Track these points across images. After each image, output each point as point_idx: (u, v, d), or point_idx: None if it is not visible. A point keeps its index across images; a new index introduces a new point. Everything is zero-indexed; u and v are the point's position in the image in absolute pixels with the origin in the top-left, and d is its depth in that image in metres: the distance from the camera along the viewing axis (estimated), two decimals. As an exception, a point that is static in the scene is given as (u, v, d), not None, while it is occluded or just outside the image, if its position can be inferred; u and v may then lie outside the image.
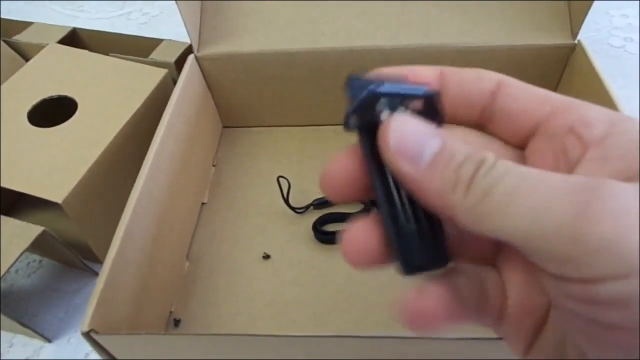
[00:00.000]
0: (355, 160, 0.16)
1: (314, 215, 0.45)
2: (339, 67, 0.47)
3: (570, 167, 0.15)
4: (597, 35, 0.65)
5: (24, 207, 0.47)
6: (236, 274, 0.43)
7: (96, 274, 0.44)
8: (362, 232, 0.15)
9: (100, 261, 0.43)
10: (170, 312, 0.40)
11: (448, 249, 0.15)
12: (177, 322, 0.40)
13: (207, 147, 0.51)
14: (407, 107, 0.15)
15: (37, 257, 0.46)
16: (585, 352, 0.14)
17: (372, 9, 0.47)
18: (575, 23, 0.44)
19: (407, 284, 0.15)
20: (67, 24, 0.56)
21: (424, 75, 0.16)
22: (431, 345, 0.27)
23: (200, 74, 0.49)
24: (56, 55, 0.50)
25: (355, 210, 0.45)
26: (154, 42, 0.53)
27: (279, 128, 0.55)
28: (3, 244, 0.35)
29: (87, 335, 0.27)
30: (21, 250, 0.35)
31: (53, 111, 0.45)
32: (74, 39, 0.56)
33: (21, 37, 0.54)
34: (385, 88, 0.15)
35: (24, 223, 0.37)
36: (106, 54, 0.50)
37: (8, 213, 0.45)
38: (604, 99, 0.39)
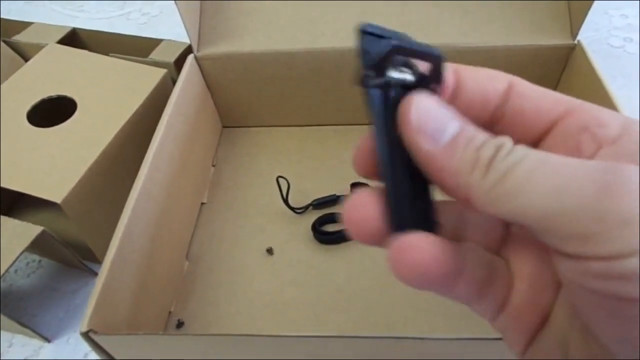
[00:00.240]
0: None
1: (314, 216, 0.45)
2: (338, 67, 0.47)
3: None
4: (596, 36, 0.65)
5: (23, 207, 0.47)
6: (236, 274, 0.43)
7: (95, 274, 0.44)
8: (363, 200, 0.15)
9: (99, 261, 0.43)
10: (170, 312, 0.40)
11: (436, 215, 0.16)
12: (180, 324, 0.39)
13: (206, 147, 0.51)
14: (413, 68, 0.15)
15: (36, 257, 0.46)
16: (598, 337, 0.14)
17: (372, 9, 0.47)
18: (574, 23, 0.44)
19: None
20: (67, 24, 0.56)
21: None
22: (431, 345, 0.27)
23: (200, 74, 0.49)
24: (56, 55, 0.50)
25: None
26: (154, 42, 0.53)
27: (279, 128, 0.55)
28: (2, 243, 0.35)
29: (86, 335, 0.27)
30: (20, 250, 0.35)
31: (52, 111, 0.45)
32: (73, 39, 0.56)
33: (21, 37, 0.54)
34: (405, 43, 0.14)
35: (24, 223, 0.37)
36: (106, 54, 0.50)
37: (7, 213, 0.45)
38: (603, 99, 0.39)
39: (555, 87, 0.48)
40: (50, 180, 0.38)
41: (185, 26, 0.44)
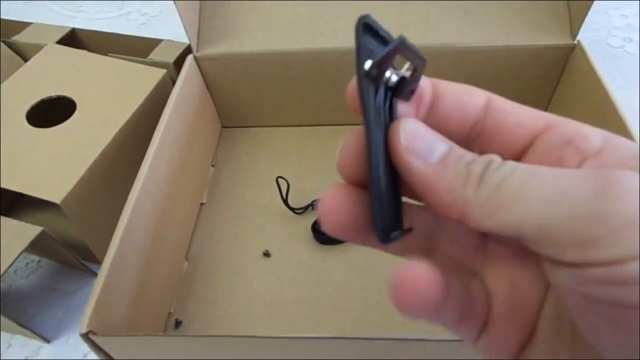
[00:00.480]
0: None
1: (313, 216, 0.45)
2: (338, 68, 0.47)
3: None
4: (596, 36, 0.65)
5: (22, 208, 0.47)
6: (235, 274, 0.42)
7: (95, 274, 0.44)
8: (338, 195, 0.15)
9: (99, 261, 0.43)
10: (169, 312, 0.40)
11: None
12: (178, 324, 0.39)
13: (206, 147, 0.51)
14: (396, 69, 0.15)
15: (35, 257, 0.46)
16: (593, 345, 0.14)
17: (371, 9, 0.46)
18: (574, 23, 0.44)
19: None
20: (66, 24, 0.56)
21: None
22: (429, 346, 0.27)
23: (199, 74, 0.49)
24: (55, 55, 0.50)
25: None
26: (153, 43, 0.53)
27: (278, 128, 0.55)
28: (2, 244, 0.35)
29: (86, 336, 0.27)
30: (20, 251, 0.35)
31: (52, 111, 0.45)
32: (72, 39, 0.56)
33: (20, 38, 0.54)
34: (407, 41, 0.14)
35: (23, 223, 0.37)
36: (105, 54, 0.50)
37: (7, 213, 0.45)
38: (603, 99, 0.39)
39: (555, 87, 0.48)
40: (50, 180, 0.38)
41: (184, 26, 0.44)
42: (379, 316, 0.39)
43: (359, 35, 0.14)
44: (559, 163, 0.15)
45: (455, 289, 0.15)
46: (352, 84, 0.16)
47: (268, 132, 0.55)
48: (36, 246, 0.36)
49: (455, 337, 0.25)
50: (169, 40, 0.53)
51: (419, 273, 0.14)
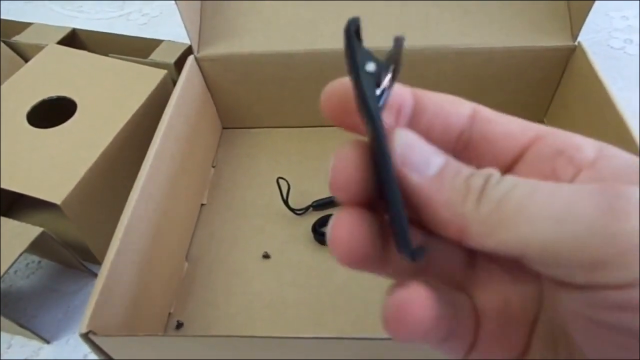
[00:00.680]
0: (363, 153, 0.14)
1: (314, 217, 0.45)
2: (338, 68, 0.47)
3: None
4: (596, 37, 0.65)
5: (23, 208, 0.47)
6: (235, 275, 0.42)
7: (95, 275, 0.44)
8: (349, 225, 0.14)
9: (99, 262, 0.43)
10: (169, 313, 0.40)
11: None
12: (179, 325, 0.39)
13: (206, 148, 0.51)
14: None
15: (36, 258, 0.46)
16: None
17: (371, 10, 0.47)
18: (575, 25, 0.44)
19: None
20: (67, 25, 0.56)
21: (398, 92, 0.15)
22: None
23: (200, 74, 0.49)
24: (55, 56, 0.50)
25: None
26: (154, 43, 0.53)
27: (279, 129, 0.55)
28: (2, 244, 0.35)
29: (86, 337, 0.27)
30: (20, 251, 0.35)
31: (52, 112, 0.45)
32: (73, 39, 0.56)
33: (20, 38, 0.54)
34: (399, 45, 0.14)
35: (23, 224, 0.37)
36: (105, 54, 0.50)
37: (7, 214, 0.45)
38: (604, 100, 0.39)
39: (555, 89, 0.48)
40: (50, 181, 0.38)
41: (185, 27, 0.44)
42: (379, 317, 0.39)
43: (351, 38, 0.13)
44: (552, 175, 0.14)
45: (442, 307, 0.14)
46: (332, 88, 0.15)
47: (268, 133, 0.55)
48: (36, 247, 0.36)
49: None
50: (170, 40, 0.53)
51: (416, 298, 0.13)
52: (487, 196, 0.13)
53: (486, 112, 0.16)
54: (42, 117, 0.44)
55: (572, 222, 0.11)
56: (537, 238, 0.12)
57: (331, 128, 0.54)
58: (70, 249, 0.39)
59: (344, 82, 0.15)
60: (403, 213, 0.13)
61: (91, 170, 0.39)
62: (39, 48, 0.51)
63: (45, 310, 0.42)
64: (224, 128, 0.56)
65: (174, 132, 0.41)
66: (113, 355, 0.29)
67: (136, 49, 0.52)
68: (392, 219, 0.14)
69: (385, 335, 0.26)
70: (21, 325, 0.38)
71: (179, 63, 0.50)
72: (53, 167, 0.39)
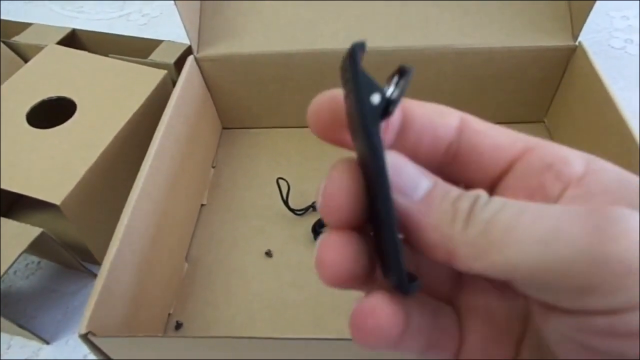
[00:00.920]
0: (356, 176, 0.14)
1: (314, 217, 0.45)
2: (338, 68, 0.47)
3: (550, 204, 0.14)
4: (597, 37, 0.65)
5: (22, 209, 0.47)
6: (235, 276, 0.42)
7: (95, 275, 0.43)
8: (336, 249, 0.14)
9: (98, 263, 0.43)
10: (169, 314, 0.40)
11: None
12: (178, 326, 0.39)
13: (206, 149, 0.51)
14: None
15: (35, 258, 0.46)
16: None
17: (371, 10, 0.47)
18: (576, 24, 0.44)
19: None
20: (66, 25, 0.56)
21: None
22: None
23: (200, 75, 0.49)
24: (55, 56, 0.50)
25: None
26: (154, 43, 0.53)
27: (279, 129, 0.55)
28: (2, 245, 0.35)
29: (85, 337, 0.27)
30: (20, 252, 0.35)
31: (52, 112, 0.45)
32: (73, 40, 0.56)
33: (20, 38, 0.54)
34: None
35: (23, 224, 0.36)
36: (105, 55, 0.50)
37: (6, 214, 0.44)
38: (604, 100, 0.39)
39: (556, 89, 0.48)
40: (50, 181, 0.38)
41: (185, 27, 0.44)
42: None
43: (356, 65, 0.13)
44: (540, 189, 0.14)
45: (418, 319, 0.14)
46: (319, 103, 0.14)
47: (268, 134, 0.54)
48: (36, 247, 0.36)
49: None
50: (170, 41, 0.53)
51: (379, 308, 0.13)
52: (474, 218, 0.13)
53: (474, 123, 0.15)
54: (42, 118, 0.44)
55: (560, 246, 0.11)
56: (524, 261, 0.11)
57: (331, 128, 0.54)
58: (69, 250, 0.39)
59: (331, 97, 0.15)
60: (397, 241, 0.13)
61: (91, 171, 0.39)
62: (38, 48, 0.51)
63: (44, 311, 0.42)
64: (223, 128, 0.56)
65: (173, 132, 0.41)
66: (112, 356, 0.29)
67: (136, 49, 0.52)
68: (387, 250, 0.13)
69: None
70: (21, 326, 0.38)
71: (179, 63, 0.50)
72: (53, 167, 0.39)
